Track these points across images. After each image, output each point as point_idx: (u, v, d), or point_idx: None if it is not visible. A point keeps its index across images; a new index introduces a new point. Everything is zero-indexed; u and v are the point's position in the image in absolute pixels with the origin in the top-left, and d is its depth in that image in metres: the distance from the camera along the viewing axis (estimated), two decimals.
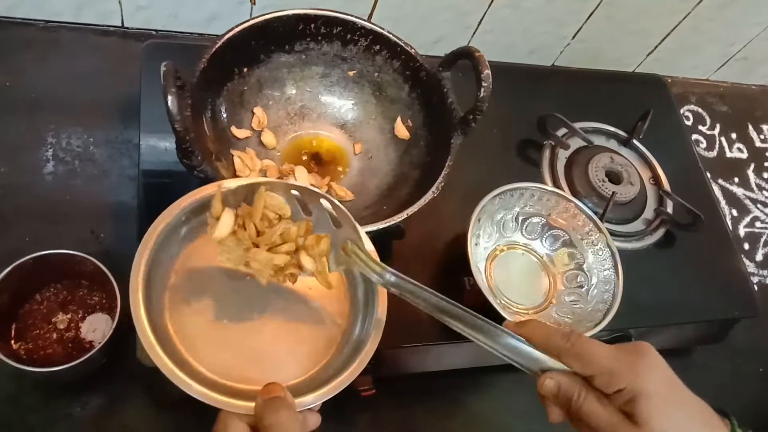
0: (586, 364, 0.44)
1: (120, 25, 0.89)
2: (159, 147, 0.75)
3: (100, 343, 0.63)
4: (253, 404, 0.44)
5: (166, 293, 0.51)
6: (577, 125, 0.95)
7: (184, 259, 0.53)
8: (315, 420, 0.49)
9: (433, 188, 0.65)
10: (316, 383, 0.49)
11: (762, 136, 1.27)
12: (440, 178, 0.65)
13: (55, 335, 0.66)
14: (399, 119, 0.76)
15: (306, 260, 0.53)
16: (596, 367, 0.44)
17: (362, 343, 0.51)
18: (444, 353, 0.78)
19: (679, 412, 0.43)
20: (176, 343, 0.49)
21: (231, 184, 0.53)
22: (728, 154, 1.21)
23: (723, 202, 1.14)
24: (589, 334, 0.72)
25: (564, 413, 0.47)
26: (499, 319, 0.69)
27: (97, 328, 0.67)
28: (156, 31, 0.91)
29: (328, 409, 0.75)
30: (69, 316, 0.67)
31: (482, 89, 0.64)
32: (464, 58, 0.67)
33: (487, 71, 0.64)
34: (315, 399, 0.47)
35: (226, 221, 0.50)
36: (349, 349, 0.52)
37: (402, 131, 0.75)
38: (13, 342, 0.65)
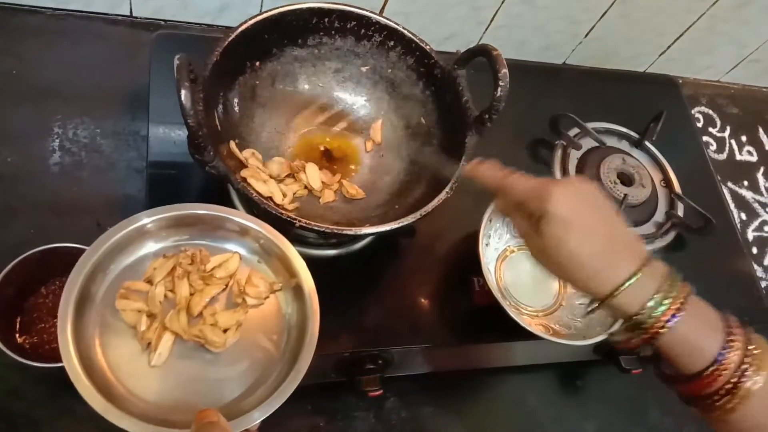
0: (508, 196, 0.52)
1: (129, 14, 0.88)
2: (167, 139, 0.74)
3: None
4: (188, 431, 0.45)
5: (97, 327, 0.51)
6: (589, 125, 0.94)
7: (114, 293, 0.53)
8: None
9: (447, 189, 0.63)
10: (257, 400, 0.49)
11: None
12: (454, 179, 0.64)
13: None
14: (380, 122, 0.75)
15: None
16: (515, 196, 0.51)
17: (297, 356, 0.52)
18: (451, 354, 0.78)
19: (580, 233, 0.47)
20: (108, 375, 0.49)
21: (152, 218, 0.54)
22: (738, 157, 1.20)
23: (732, 206, 1.13)
24: (599, 338, 0.72)
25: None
26: (508, 320, 0.69)
27: None
28: (165, 21, 0.90)
29: (335, 409, 0.75)
30: None
31: (499, 88, 0.63)
32: (481, 56, 0.66)
33: (505, 70, 0.63)
34: (247, 423, 0.48)
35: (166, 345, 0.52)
36: (285, 365, 0.52)
37: (377, 136, 0.74)
38: (17, 335, 0.64)
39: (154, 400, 0.49)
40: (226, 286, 0.56)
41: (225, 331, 0.53)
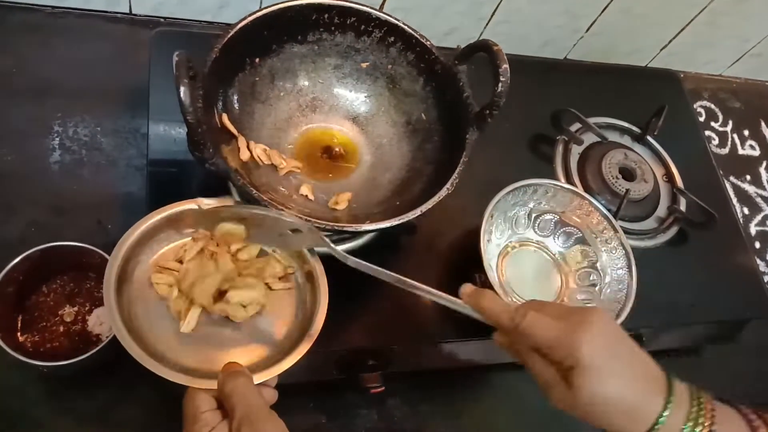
0: (528, 341, 0.49)
1: (128, 11, 0.88)
2: (167, 137, 0.74)
3: (106, 336, 0.62)
4: (215, 382, 0.51)
5: (134, 298, 0.57)
6: (591, 120, 0.94)
7: (148, 271, 0.59)
8: (271, 394, 0.54)
9: (448, 185, 0.63)
10: (267, 364, 0.55)
11: None
12: (455, 175, 0.64)
13: (61, 328, 0.65)
14: (347, 194, 0.71)
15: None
16: (537, 344, 0.48)
17: (304, 334, 0.57)
18: (452, 351, 0.78)
19: (613, 380, 0.46)
20: (145, 338, 0.55)
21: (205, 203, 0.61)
22: (740, 151, 1.20)
23: (734, 200, 1.13)
24: None
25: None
26: None
27: (104, 322, 0.66)
28: (164, 18, 0.90)
29: (336, 406, 0.75)
30: (76, 308, 0.66)
31: (500, 84, 0.63)
32: (481, 51, 0.66)
33: (506, 66, 0.62)
34: (266, 375, 0.54)
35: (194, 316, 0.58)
36: (293, 339, 0.58)
37: (343, 203, 0.71)
38: (19, 334, 0.64)
39: (182, 361, 0.55)
40: (248, 267, 0.62)
41: (246, 306, 0.59)
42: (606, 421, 0.47)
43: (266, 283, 0.61)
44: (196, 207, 0.60)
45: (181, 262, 0.60)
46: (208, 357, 0.56)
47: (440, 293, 0.55)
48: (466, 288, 0.54)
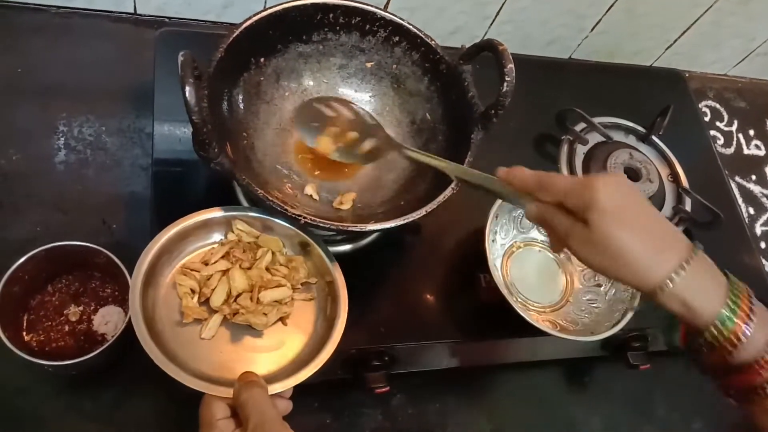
0: (550, 192, 0.51)
1: (133, 11, 0.88)
2: (172, 136, 0.74)
3: (112, 336, 0.62)
4: (231, 390, 0.52)
5: (159, 300, 0.58)
6: (596, 120, 0.93)
7: (180, 267, 0.61)
8: (285, 405, 0.55)
9: (453, 185, 0.63)
10: (283, 375, 0.56)
11: None
12: None
13: (67, 327, 0.65)
14: (352, 195, 0.71)
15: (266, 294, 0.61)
16: (557, 192, 0.51)
17: (324, 345, 0.58)
18: (457, 351, 0.78)
19: (626, 227, 0.47)
20: (166, 340, 0.56)
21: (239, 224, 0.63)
22: (746, 151, 1.20)
23: (740, 200, 1.12)
24: (607, 334, 0.71)
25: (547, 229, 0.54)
26: (515, 316, 0.69)
27: (109, 321, 0.66)
28: (169, 18, 0.90)
29: (342, 406, 0.75)
30: (81, 308, 0.66)
31: (505, 84, 0.63)
32: (486, 51, 0.66)
33: (511, 65, 0.62)
34: (282, 386, 0.55)
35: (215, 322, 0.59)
36: (311, 351, 0.59)
37: (348, 203, 0.71)
38: (24, 334, 0.64)
39: (200, 367, 0.55)
40: (270, 275, 0.62)
41: (267, 314, 0.60)
42: (615, 269, 0.48)
43: (287, 291, 0.62)
44: (223, 215, 0.62)
45: (206, 263, 0.61)
46: (226, 365, 0.57)
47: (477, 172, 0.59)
48: (501, 169, 0.56)
